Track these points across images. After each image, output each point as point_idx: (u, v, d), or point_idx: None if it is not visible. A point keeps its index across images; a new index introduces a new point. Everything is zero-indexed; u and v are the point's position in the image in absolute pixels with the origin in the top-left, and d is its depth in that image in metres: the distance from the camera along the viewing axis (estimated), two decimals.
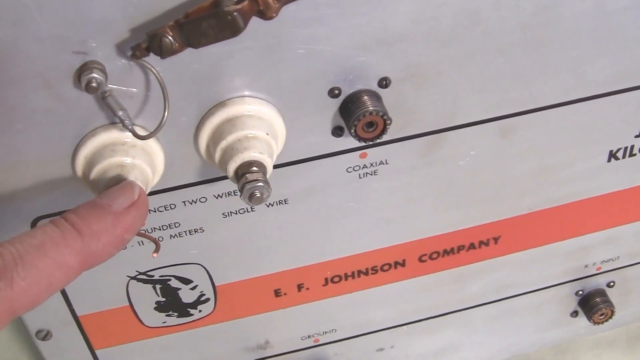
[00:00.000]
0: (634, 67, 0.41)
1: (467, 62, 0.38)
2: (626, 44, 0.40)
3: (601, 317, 0.54)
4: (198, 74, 0.34)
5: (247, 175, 0.34)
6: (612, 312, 0.54)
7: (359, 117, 0.36)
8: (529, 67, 0.39)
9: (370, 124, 0.37)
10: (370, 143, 0.38)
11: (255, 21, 0.32)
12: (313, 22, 0.34)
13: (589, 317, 0.54)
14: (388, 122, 0.37)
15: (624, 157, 0.46)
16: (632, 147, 0.45)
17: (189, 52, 0.33)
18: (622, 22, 0.39)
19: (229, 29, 0.30)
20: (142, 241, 0.41)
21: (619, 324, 0.59)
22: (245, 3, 0.29)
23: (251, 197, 0.34)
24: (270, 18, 0.30)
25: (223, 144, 0.35)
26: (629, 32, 0.39)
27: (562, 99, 0.41)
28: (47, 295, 0.28)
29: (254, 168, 0.34)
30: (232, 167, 0.35)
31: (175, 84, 0.34)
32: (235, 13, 0.29)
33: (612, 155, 0.45)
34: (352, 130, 0.37)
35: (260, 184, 0.34)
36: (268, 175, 0.35)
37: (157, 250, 0.36)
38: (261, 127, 0.36)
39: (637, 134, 0.45)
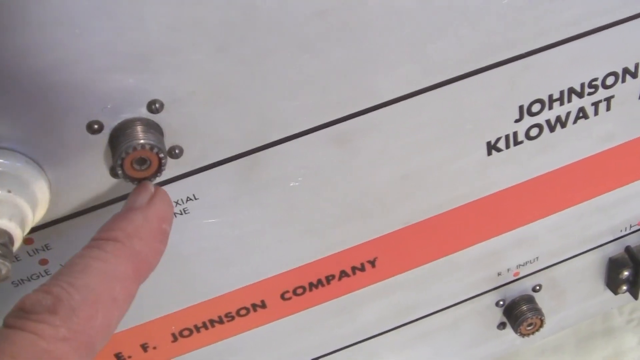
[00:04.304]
0: (490, 40, 0.33)
1: (259, 65, 0.30)
2: (473, 14, 0.32)
3: (529, 328, 0.46)
4: None
5: None
6: (542, 321, 0.46)
7: (122, 155, 0.29)
8: (349, 60, 0.31)
9: (143, 161, 0.29)
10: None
11: None
12: (42, 48, 0.27)
13: (516, 329, 0.46)
14: (162, 156, 0.29)
15: (507, 147, 0.38)
16: (515, 134, 0.37)
17: None
18: None
19: None
20: None
21: (564, 326, 0.51)
22: None
23: None
24: None
25: None
26: (471, 0, 0.31)
27: (406, 91, 0.34)
28: (117, 315, 0.25)
29: None
30: None
31: None
32: None
33: (492, 147, 0.37)
34: (120, 172, 0.29)
35: None
36: (17, 245, 0.28)
37: None
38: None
39: (517, 118, 0.37)
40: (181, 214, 0.34)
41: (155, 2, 0.27)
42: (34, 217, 0.30)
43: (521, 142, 0.38)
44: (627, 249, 0.47)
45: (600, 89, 0.37)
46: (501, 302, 0.46)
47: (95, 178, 0.31)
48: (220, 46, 0.29)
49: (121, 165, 0.29)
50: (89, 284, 0.25)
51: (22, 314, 0.23)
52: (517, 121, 0.37)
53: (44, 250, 0.33)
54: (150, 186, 0.29)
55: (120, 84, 0.29)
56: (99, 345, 0.24)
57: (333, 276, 0.40)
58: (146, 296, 0.36)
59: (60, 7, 0.26)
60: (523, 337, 0.46)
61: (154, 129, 0.30)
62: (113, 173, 0.31)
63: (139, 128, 0.30)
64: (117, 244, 0.27)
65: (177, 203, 0.33)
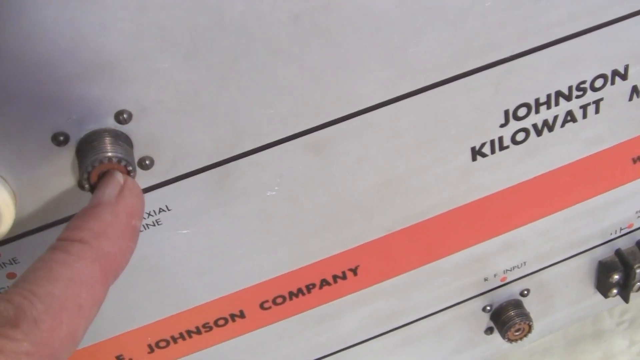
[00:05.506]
0: (473, 43, 0.32)
1: (230, 72, 0.29)
2: (454, 16, 0.31)
3: (517, 334, 0.45)
4: None
5: None
6: (530, 327, 0.45)
7: (88, 169, 0.28)
8: (326, 65, 0.30)
9: None
10: None
11: None
12: (1, 57, 0.26)
13: (503, 334, 0.45)
14: (130, 169, 0.28)
15: (493, 152, 0.36)
16: (501, 138, 0.36)
17: None
18: None
19: None
20: None
21: (553, 329, 0.50)
22: None
23: None
24: None
25: None
26: (452, 2, 0.30)
27: (386, 97, 0.32)
28: (83, 323, 0.24)
29: None
30: None
31: None
32: None
33: (477, 153, 0.36)
34: (87, 186, 0.28)
35: None
36: None
37: None
38: None
39: (503, 122, 0.35)
40: (154, 225, 0.33)
41: (117, 8, 0.26)
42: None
43: (507, 147, 0.37)
44: (618, 252, 0.46)
45: (589, 92, 0.36)
46: (488, 308, 0.45)
47: (62, 191, 0.30)
48: (188, 53, 0.28)
49: (88, 179, 0.28)
50: (53, 292, 0.23)
51: None
52: (502, 126, 0.36)
53: (11, 263, 0.32)
54: (119, 177, 0.28)
55: (85, 94, 0.28)
56: (64, 356, 0.23)
57: (314, 285, 0.38)
58: (121, 307, 0.35)
59: (20, 14, 0.25)
60: (511, 342, 0.45)
61: (122, 140, 0.29)
62: (81, 186, 0.30)
63: (107, 140, 0.28)
64: (84, 246, 0.25)
65: (149, 214, 0.32)
